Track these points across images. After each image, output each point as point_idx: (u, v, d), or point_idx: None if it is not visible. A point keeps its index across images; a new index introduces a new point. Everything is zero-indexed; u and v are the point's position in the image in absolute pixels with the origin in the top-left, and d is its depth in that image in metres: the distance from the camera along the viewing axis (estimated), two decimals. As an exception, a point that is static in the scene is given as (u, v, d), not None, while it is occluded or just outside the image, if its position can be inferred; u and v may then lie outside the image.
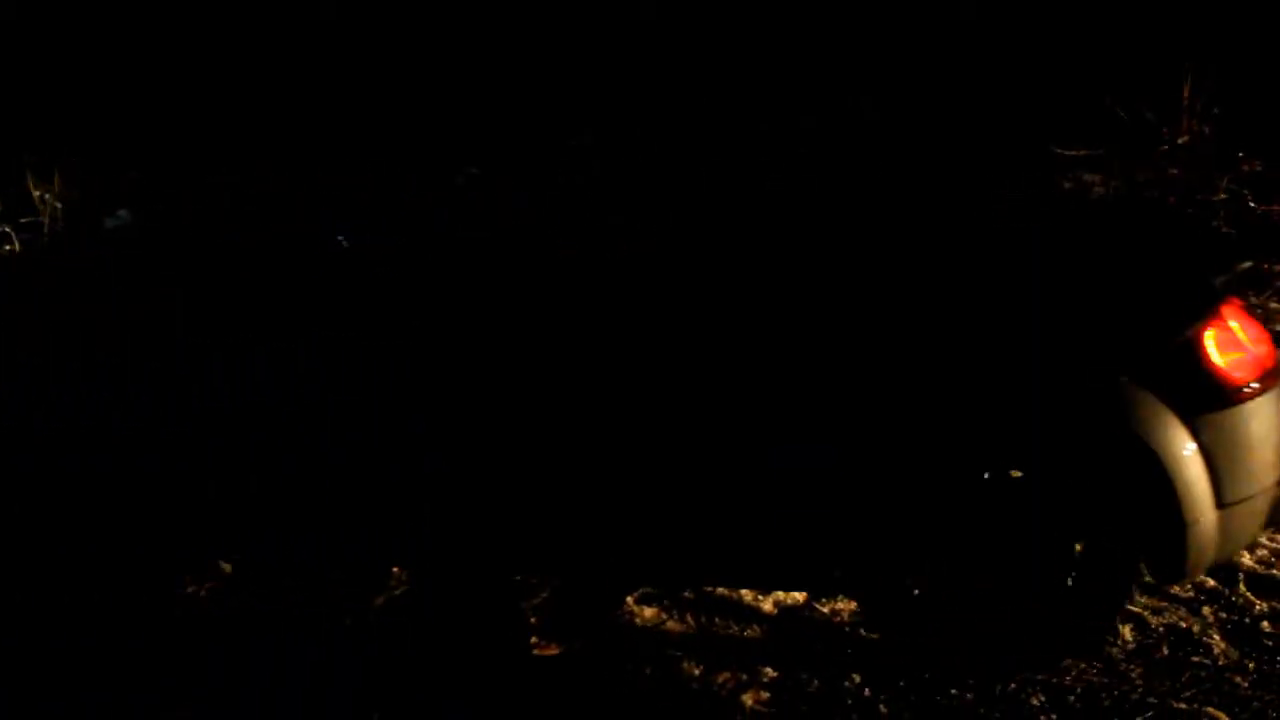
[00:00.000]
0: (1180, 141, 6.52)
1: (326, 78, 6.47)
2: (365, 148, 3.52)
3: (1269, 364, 3.12)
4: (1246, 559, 3.80)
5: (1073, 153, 6.51)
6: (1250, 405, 3.05)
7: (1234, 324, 3.09)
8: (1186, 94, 6.47)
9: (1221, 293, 3.14)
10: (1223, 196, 6.44)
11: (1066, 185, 6.54)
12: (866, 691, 3.09)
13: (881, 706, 3.03)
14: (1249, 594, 3.59)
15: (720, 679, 3.16)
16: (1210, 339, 3.04)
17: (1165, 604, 3.54)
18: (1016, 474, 3.05)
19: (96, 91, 6.69)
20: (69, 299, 3.34)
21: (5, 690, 3.10)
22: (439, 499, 3.20)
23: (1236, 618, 3.47)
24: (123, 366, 3.25)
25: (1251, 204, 6.36)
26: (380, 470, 3.21)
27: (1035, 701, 3.03)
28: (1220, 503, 3.01)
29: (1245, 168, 6.54)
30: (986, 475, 3.06)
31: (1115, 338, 3.07)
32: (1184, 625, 3.41)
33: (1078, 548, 3.08)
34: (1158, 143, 6.53)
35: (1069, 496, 3.05)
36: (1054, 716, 2.98)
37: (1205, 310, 3.07)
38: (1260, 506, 3.14)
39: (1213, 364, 3.02)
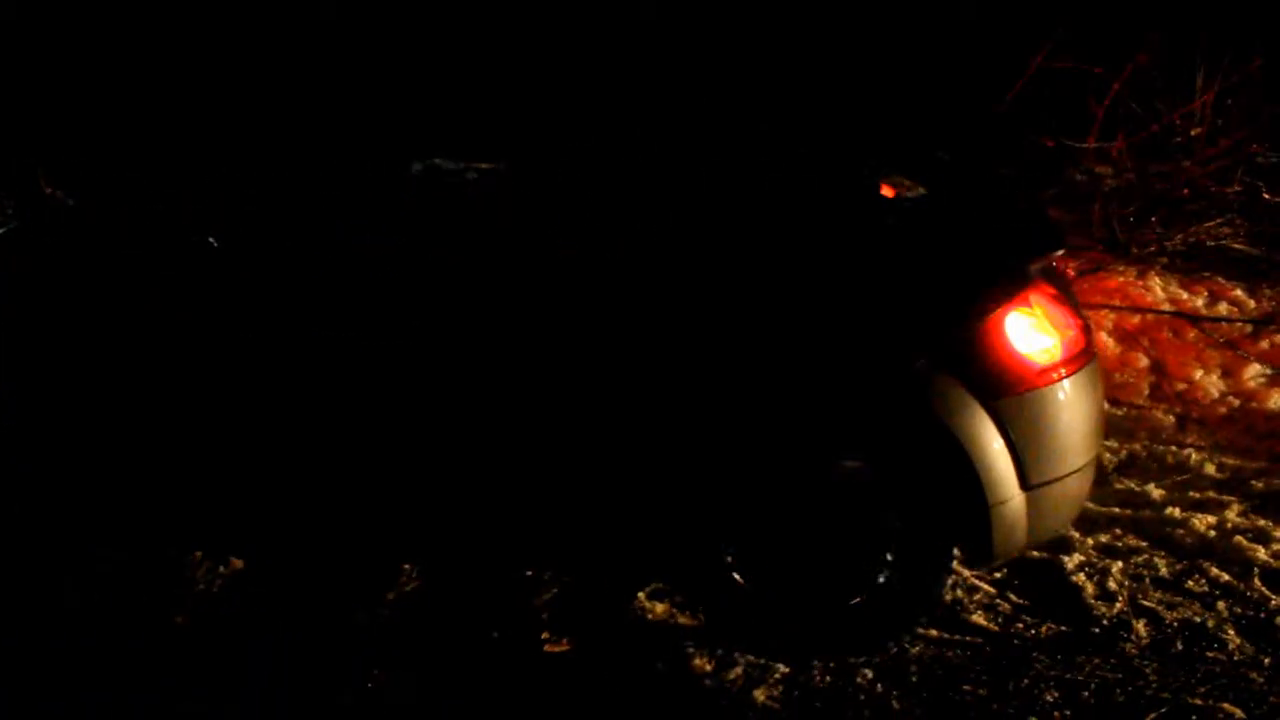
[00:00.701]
0: (1194, 134, 6.48)
1: (325, 76, 6.48)
2: (361, 144, 3.50)
3: (1076, 348, 3.17)
4: (1261, 553, 3.78)
5: (1085, 145, 6.47)
6: (1054, 389, 3.10)
7: (1039, 309, 3.13)
8: (1200, 85, 6.44)
9: (1027, 278, 3.16)
10: (1237, 189, 6.41)
11: (1079, 178, 6.51)
12: (879, 687, 3.08)
13: (894, 703, 3.02)
14: (1264, 589, 3.57)
15: (732, 675, 3.15)
16: (1011, 324, 3.08)
17: (1180, 599, 3.52)
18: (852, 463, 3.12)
19: (93, 92, 6.71)
20: (68, 293, 3.35)
21: (5, 690, 3.10)
22: (443, 496, 3.21)
23: (1252, 613, 3.45)
24: (120, 362, 3.26)
25: (1266, 195, 6.32)
26: (389, 467, 3.21)
27: (1049, 698, 3.02)
28: (1026, 485, 3.06)
29: (1260, 160, 6.50)
30: (798, 463, 3.12)
31: (916, 323, 3.10)
32: (1198, 620, 3.40)
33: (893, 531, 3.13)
34: (1171, 135, 6.49)
35: (875, 481, 3.10)
36: (1068, 712, 2.96)
37: (1005, 295, 3.10)
38: (1073, 488, 3.19)
39: (1012, 348, 3.07)
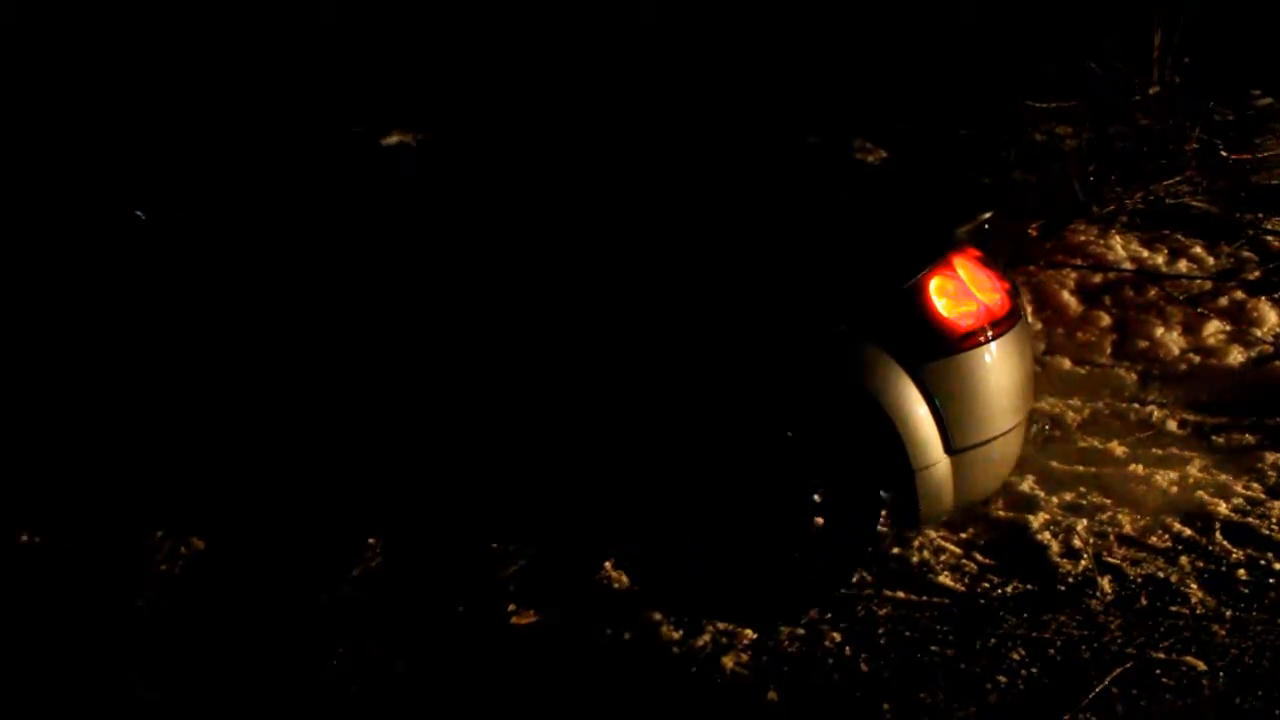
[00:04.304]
0: (1151, 92, 6.48)
1: (317, 67, 6.39)
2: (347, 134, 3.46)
3: (1000, 312, 3.17)
4: (1223, 508, 3.80)
5: (1044, 105, 6.46)
6: (978, 352, 3.09)
7: (963, 273, 3.12)
8: (1157, 44, 6.44)
9: (953, 242, 3.16)
10: (1194, 146, 6.42)
11: (1039, 138, 6.51)
12: (848, 650, 3.08)
13: (863, 665, 3.02)
14: (1225, 542, 3.60)
15: (700, 643, 3.14)
16: (934, 288, 3.07)
17: (1144, 555, 3.55)
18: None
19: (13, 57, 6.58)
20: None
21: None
22: (409, 470, 3.18)
23: (1214, 567, 3.47)
24: (65, 340, 3.21)
25: (1224, 153, 6.34)
26: (355, 439, 3.18)
27: (1016, 656, 3.03)
28: (951, 449, 3.05)
29: (1217, 117, 6.51)
30: (730, 430, 3.10)
31: (837, 288, 3.09)
32: (1162, 575, 3.42)
33: (818, 498, 3.13)
34: (1129, 93, 6.49)
35: (798, 446, 3.08)
36: (1034, 670, 2.98)
37: (929, 259, 3.09)
38: (1000, 451, 3.19)
39: (936, 312, 3.06)
